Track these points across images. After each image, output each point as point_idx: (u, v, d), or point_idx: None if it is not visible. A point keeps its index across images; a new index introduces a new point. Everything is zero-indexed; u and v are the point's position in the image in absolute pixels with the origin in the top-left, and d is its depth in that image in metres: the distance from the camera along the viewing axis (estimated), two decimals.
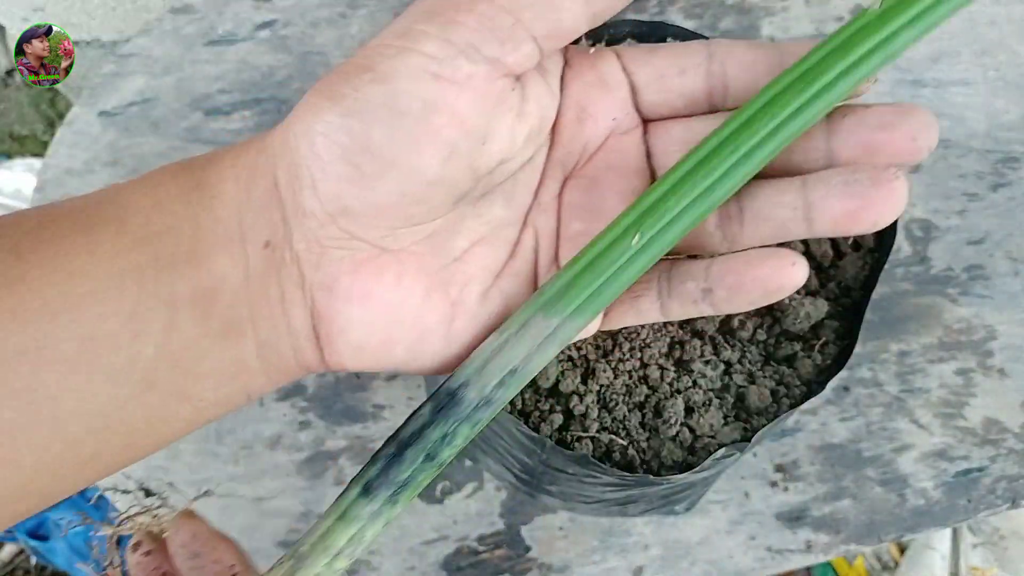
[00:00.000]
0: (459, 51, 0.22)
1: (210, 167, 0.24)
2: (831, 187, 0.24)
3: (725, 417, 0.41)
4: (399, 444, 0.25)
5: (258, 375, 0.25)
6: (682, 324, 0.43)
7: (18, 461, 0.21)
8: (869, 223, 0.24)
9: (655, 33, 0.49)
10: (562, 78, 0.27)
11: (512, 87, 0.24)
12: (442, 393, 0.24)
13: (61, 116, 1.35)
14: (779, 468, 0.60)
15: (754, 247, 0.26)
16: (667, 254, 0.25)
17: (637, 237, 0.24)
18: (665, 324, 0.43)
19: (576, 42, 0.49)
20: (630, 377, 0.42)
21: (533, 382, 0.41)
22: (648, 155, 0.27)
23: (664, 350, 0.42)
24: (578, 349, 0.42)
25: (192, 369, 0.23)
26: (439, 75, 0.22)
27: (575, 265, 0.24)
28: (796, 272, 0.24)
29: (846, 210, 0.24)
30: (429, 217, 0.24)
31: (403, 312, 0.25)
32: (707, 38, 0.49)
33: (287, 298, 0.24)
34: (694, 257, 0.27)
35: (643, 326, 0.42)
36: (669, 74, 0.26)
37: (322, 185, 0.23)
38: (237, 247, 0.23)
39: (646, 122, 0.27)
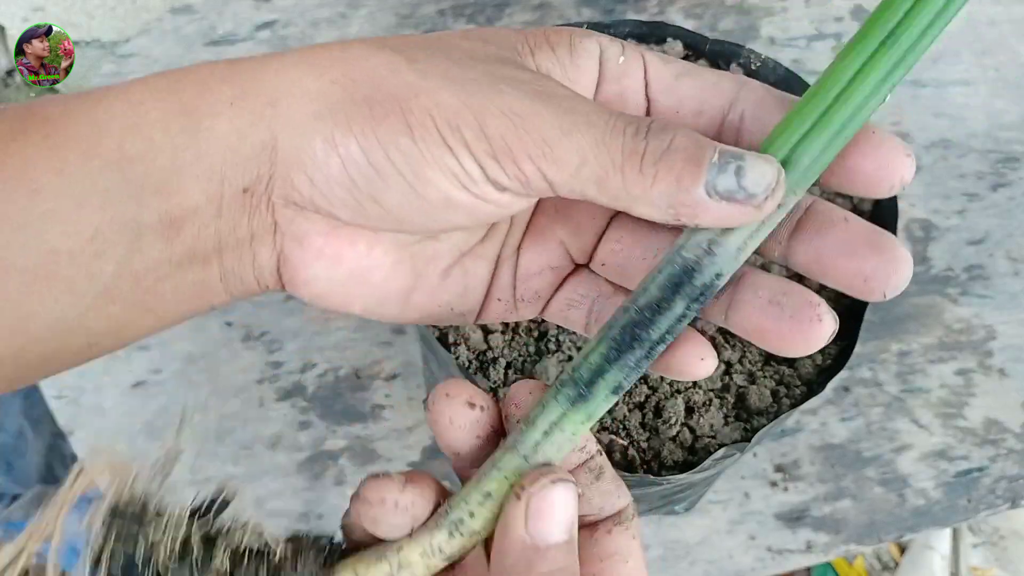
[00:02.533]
0: (486, 179, 0.22)
1: (203, 96, 0.23)
2: (757, 297, 0.24)
3: (725, 417, 0.41)
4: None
5: (220, 294, 0.25)
6: None
7: None
8: (779, 348, 0.23)
9: (655, 33, 0.49)
10: None
11: None
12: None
13: None
14: (779, 468, 0.60)
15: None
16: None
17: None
18: None
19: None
20: None
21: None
22: None
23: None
24: (578, 349, 0.42)
25: (154, 288, 0.23)
26: (467, 189, 0.23)
27: None
28: (704, 367, 0.24)
29: (760, 327, 0.23)
30: (414, 234, 0.26)
31: (368, 278, 0.25)
32: (708, 39, 0.49)
33: (256, 238, 0.24)
34: None
35: None
36: (684, 109, 0.25)
37: (320, 187, 0.23)
38: (215, 187, 0.23)
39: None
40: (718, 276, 0.23)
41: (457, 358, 0.40)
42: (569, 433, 0.23)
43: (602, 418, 0.40)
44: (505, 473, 0.23)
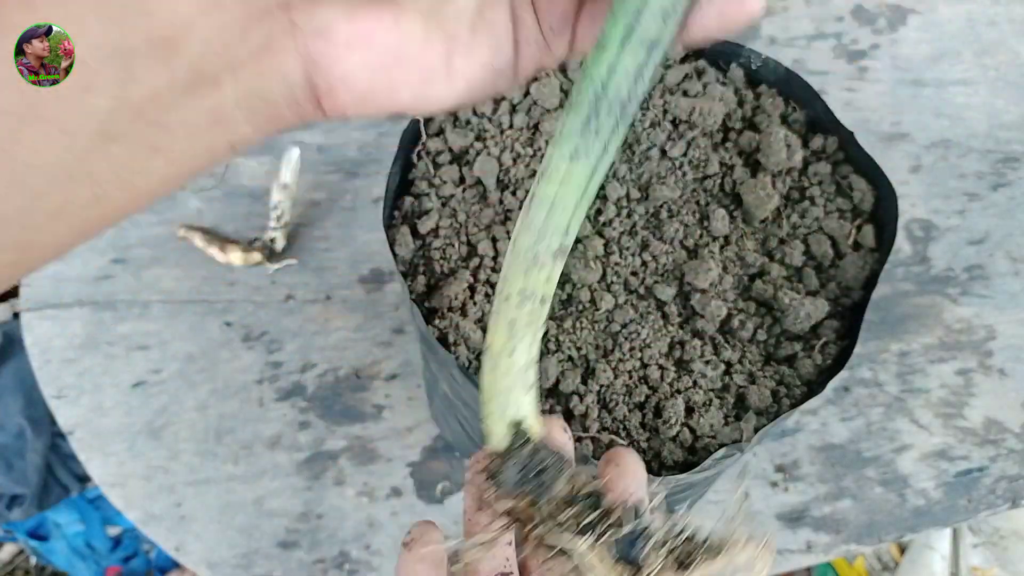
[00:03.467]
0: None
1: None
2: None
3: (725, 417, 0.41)
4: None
5: (241, 125, 0.23)
6: (682, 324, 0.43)
7: None
8: (722, 25, 0.24)
9: None
10: None
11: None
12: None
13: None
14: (779, 468, 0.60)
15: None
16: None
17: None
18: (665, 324, 0.43)
19: None
20: (630, 377, 0.42)
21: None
22: None
23: (664, 350, 0.42)
24: (578, 349, 0.42)
25: (158, 121, 0.21)
26: None
27: None
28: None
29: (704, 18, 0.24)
30: None
31: (405, 54, 0.24)
32: None
33: (275, 47, 0.22)
34: None
35: (643, 326, 0.42)
36: None
37: None
38: None
39: None
40: None
41: (457, 358, 0.40)
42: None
43: (602, 418, 0.40)
44: None
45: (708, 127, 0.46)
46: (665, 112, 0.47)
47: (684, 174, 0.46)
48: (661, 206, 0.45)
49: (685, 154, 0.46)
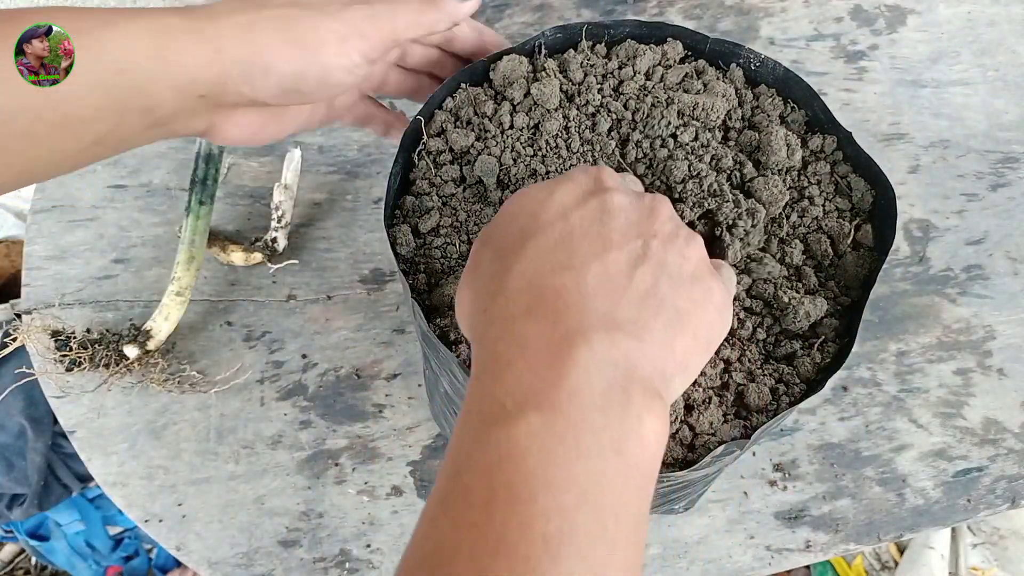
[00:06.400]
0: (366, 61, 0.41)
1: (173, 37, 0.36)
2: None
3: (725, 415, 0.41)
4: None
5: (165, 136, 0.40)
6: None
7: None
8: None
9: (654, 34, 0.49)
10: None
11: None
12: None
13: None
14: (778, 467, 0.61)
15: None
16: None
17: None
18: None
19: (575, 45, 0.49)
20: None
21: None
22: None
23: None
24: None
25: (128, 140, 0.38)
26: (352, 72, 0.40)
27: None
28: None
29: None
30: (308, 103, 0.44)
31: (258, 131, 0.43)
32: (708, 39, 0.49)
33: (198, 116, 0.39)
34: None
35: None
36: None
37: (259, 92, 0.39)
38: (180, 93, 0.37)
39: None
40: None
41: (458, 356, 0.40)
42: None
43: None
44: None
45: (711, 123, 0.46)
46: (668, 104, 0.47)
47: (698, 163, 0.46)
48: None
49: (695, 138, 0.46)
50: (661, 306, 0.31)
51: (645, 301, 0.30)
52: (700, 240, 0.35)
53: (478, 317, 0.32)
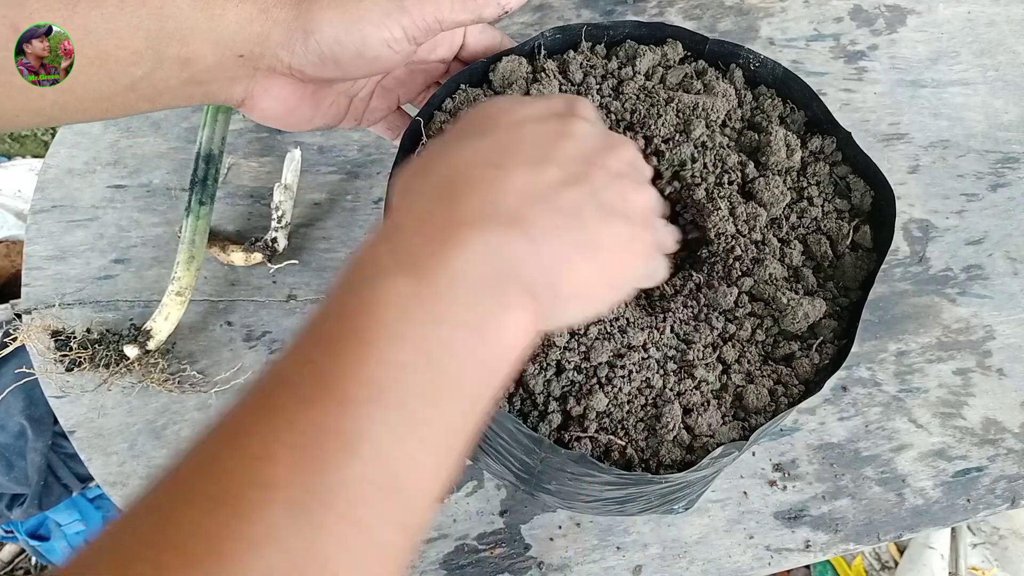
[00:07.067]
0: (407, 38, 0.40)
1: None
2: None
3: (724, 416, 0.41)
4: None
5: (199, 101, 0.42)
6: (682, 324, 0.44)
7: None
8: None
9: (654, 34, 0.49)
10: None
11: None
12: None
13: None
14: (778, 467, 0.61)
15: None
16: None
17: None
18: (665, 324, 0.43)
19: (575, 46, 0.49)
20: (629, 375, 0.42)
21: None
22: None
23: (663, 350, 0.43)
24: (572, 335, 0.42)
25: (160, 92, 0.39)
26: (392, 48, 0.40)
27: None
28: None
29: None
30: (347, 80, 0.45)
31: (294, 110, 0.44)
32: (707, 39, 0.49)
33: (236, 80, 0.40)
34: None
35: (642, 327, 0.43)
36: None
37: (299, 58, 0.40)
38: (220, 49, 0.38)
39: None
40: None
41: None
42: None
43: (601, 418, 0.41)
44: None
45: (712, 122, 0.46)
46: (668, 104, 0.47)
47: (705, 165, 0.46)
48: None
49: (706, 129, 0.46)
50: (576, 228, 0.30)
51: (560, 215, 0.30)
52: (652, 192, 0.35)
53: (399, 189, 0.32)
